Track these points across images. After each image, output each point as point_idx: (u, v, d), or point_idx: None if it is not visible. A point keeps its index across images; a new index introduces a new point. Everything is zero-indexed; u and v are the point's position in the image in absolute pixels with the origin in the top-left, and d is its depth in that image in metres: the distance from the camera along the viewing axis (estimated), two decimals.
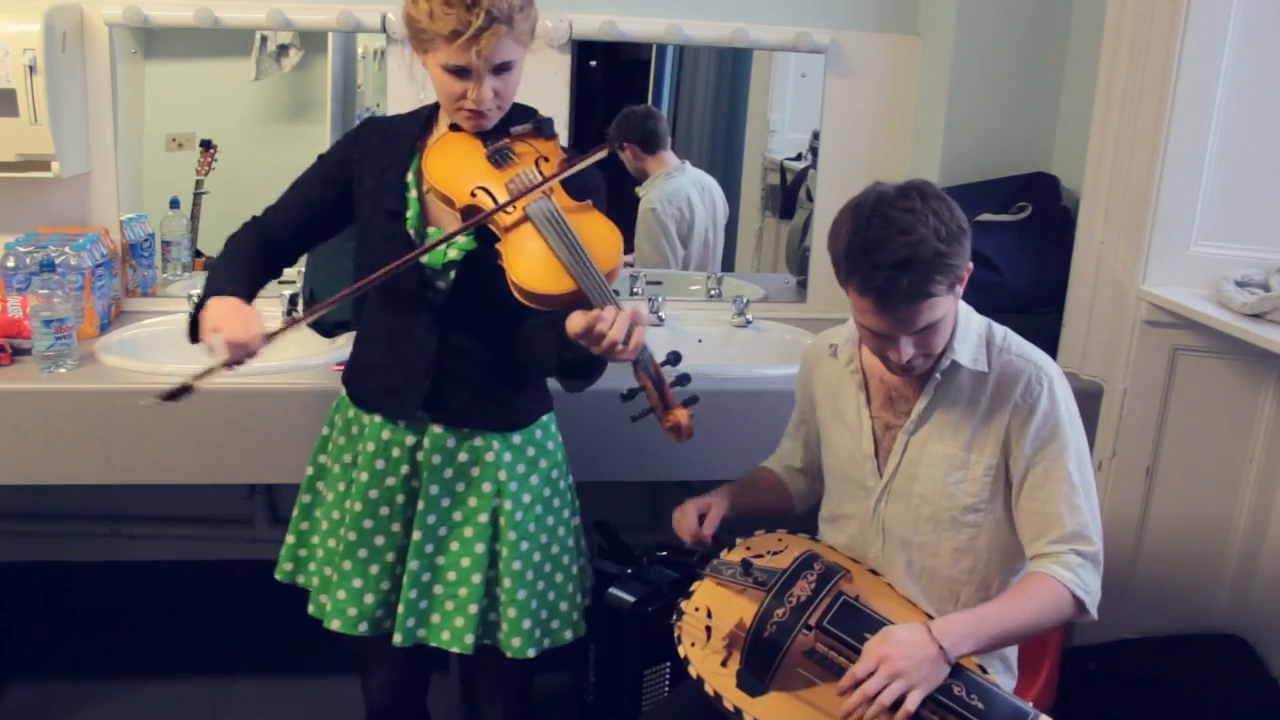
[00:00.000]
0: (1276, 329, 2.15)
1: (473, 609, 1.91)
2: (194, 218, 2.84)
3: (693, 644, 1.73)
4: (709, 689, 1.66)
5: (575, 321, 1.63)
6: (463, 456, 1.92)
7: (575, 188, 1.81)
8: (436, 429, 1.91)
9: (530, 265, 1.69)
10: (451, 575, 1.93)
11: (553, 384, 1.95)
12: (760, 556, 1.82)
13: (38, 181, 2.55)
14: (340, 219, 1.93)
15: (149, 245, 2.76)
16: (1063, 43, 2.77)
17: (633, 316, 1.62)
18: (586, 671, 2.56)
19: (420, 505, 1.91)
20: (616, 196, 1.84)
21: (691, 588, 1.82)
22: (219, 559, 3.22)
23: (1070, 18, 2.76)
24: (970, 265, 1.67)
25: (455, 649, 1.92)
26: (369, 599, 1.93)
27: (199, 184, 2.82)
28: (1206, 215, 2.34)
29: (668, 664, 2.43)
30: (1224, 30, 2.24)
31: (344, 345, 2.47)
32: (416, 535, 1.91)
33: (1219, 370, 2.39)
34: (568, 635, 2.02)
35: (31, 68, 2.39)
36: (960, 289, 1.67)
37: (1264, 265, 2.30)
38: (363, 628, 1.93)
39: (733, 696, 1.64)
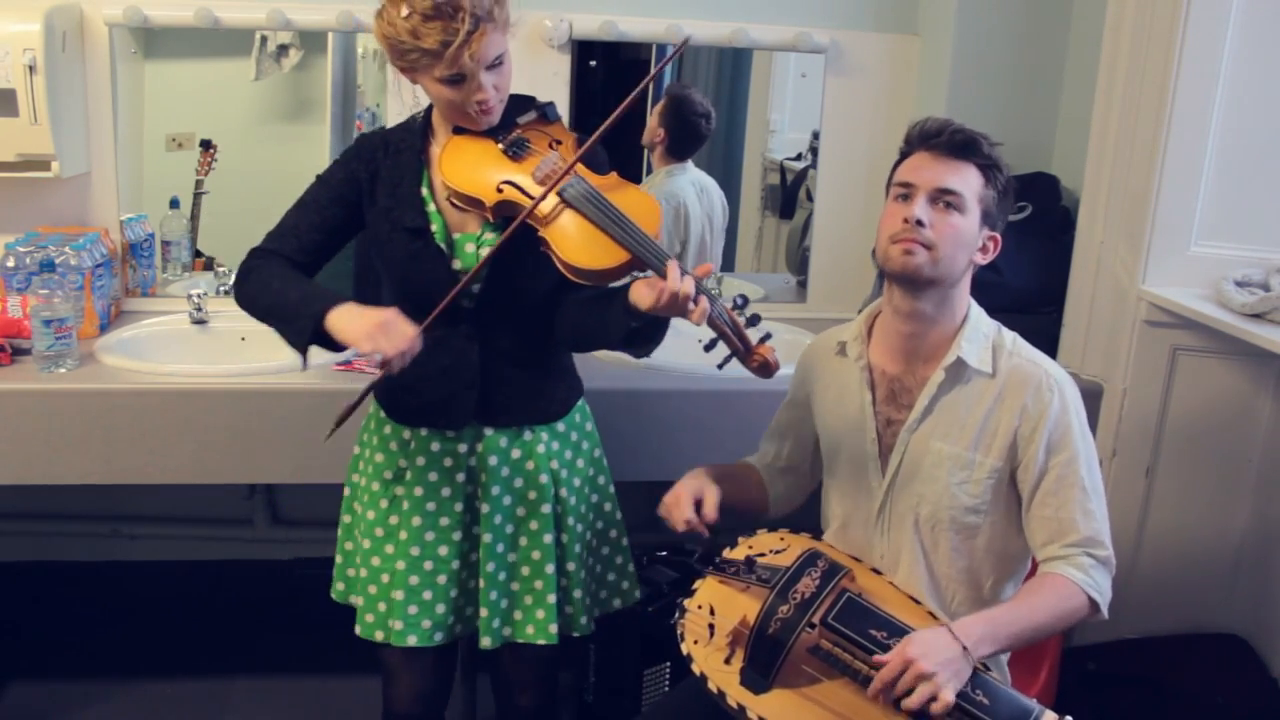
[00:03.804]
0: (1276, 329, 2.15)
1: (551, 599, 1.95)
2: (194, 218, 2.84)
3: (695, 642, 1.73)
4: (712, 686, 1.66)
5: (642, 293, 1.65)
6: (516, 453, 1.94)
7: (594, 164, 1.84)
8: (489, 431, 1.92)
9: (581, 245, 1.71)
10: (525, 570, 1.96)
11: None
12: (763, 555, 1.82)
13: (38, 181, 2.56)
14: (349, 236, 1.93)
15: (149, 245, 2.77)
16: (1063, 43, 2.78)
17: (696, 270, 1.65)
18: (586, 671, 2.56)
19: (485, 509, 1.93)
20: None
21: (694, 585, 1.82)
22: (219, 559, 3.22)
23: (1070, 18, 2.77)
24: (998, 236, 1.76)
25: (541, 640, 1.96)
26: (440, 609, 1.94)
27: (199, 184, 2.82)
28: (1206, 215, 2.35)
29: (668, 664, 2.43)
30: (1224, 30, 2.25)
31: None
32: (486, 538, 1.93)
33: (1219, 370, 2.39)
34: (616, 603, 2.10)
35: (31, 68, 2.39)
36: (981, 234, 1.73)
37: (1264, 265, 2.30)
38: (438, 638, 1.94)
39: (736, 694, 1.64)
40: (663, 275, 1.63)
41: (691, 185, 3.00)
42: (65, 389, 2.26)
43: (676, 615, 1.79)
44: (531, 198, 1.74)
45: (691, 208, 2.99)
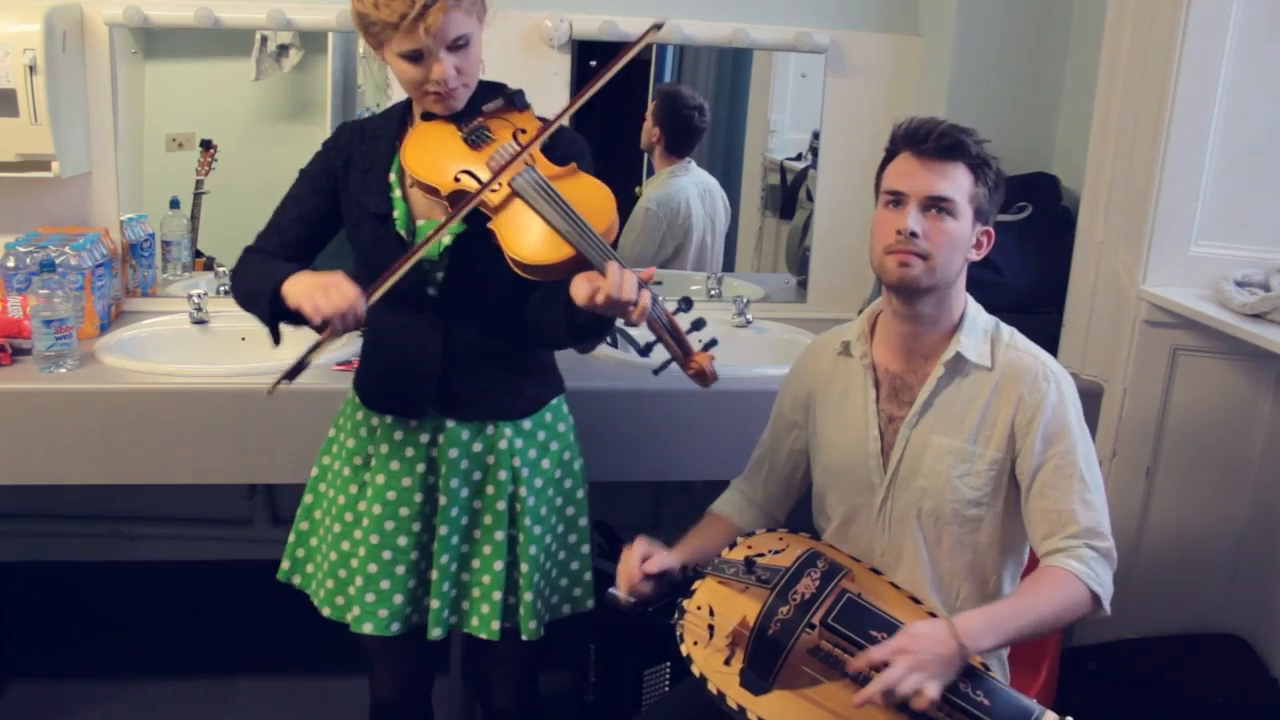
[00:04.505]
0: (1276, 329, 2.15)
1: (496, 595, 1.95)
2: (194, 218, 2.84)
3: (695, 643, 1.73)
4: (712, 688, 1.66)
5: (579, 289, 1.62)
6: (477, 447, 1.93)
7: (557, 154, 1.82)
8: (450, 423, 1.92)
9: (526, 238, 1.69)
10: (476, 563, 1.96)
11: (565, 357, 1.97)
12: (762, 555, 1.81)
13: (38, 181, 2.56)
14: (335, 227, 1.94)
15: (149, 245, 2.77)
16: (1063, 43, 2.78)
17: (643, 274, 1.62)
18: (586, 671, 2.56)
19: (442, 500, 1.93)
20: (616, 193, 1.83)
21: (693, 586, 1.82)
22: (219, 559, 3.22)
23: (1070, 18, 2.77)
24: (991, 230, 1.75)
25: (483, 635, 1.96)
26: (398, 599, 1.94)
27: (199, 184, 2.82)
28: (1206, 215, 2.34)
29: (668, 664, 2.43)
30: (1224, 30, 2.24)
31: (344, 345, 2.46)
32: (442, 530, 1.93)
33: (1219, 370, 2.39)
34: (565, 610, 2.08)
35: (31, 68, 2.39)
36: (974, 232, 1.72)
37: (1264, 265, 2.30)
38: (394, 627, 1.95)
39: (736, 695, 1.64)
40: (602, 272, 1.61)
41: (694, 186, 3.00)
42: (65, 389, 2.26)
43: (676, 616, 1.79)
44: (482, 185, 1.73)
45: (694, 210, 2.99)
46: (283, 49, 2.77)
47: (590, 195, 1.73)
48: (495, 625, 1.95)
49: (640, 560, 1.80)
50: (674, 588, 1.82)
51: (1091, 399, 2.47)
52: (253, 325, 2.59)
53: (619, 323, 1.76)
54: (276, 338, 1.84)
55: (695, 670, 1.70)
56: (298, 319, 1.76)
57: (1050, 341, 2.56)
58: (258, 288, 1.80)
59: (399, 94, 2.64)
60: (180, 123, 2.82)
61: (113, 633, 3.00)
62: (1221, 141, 2.30)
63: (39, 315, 2.27)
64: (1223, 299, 2.27)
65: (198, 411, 2.28)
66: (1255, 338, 2.15)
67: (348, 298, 1.67)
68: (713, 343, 1.69)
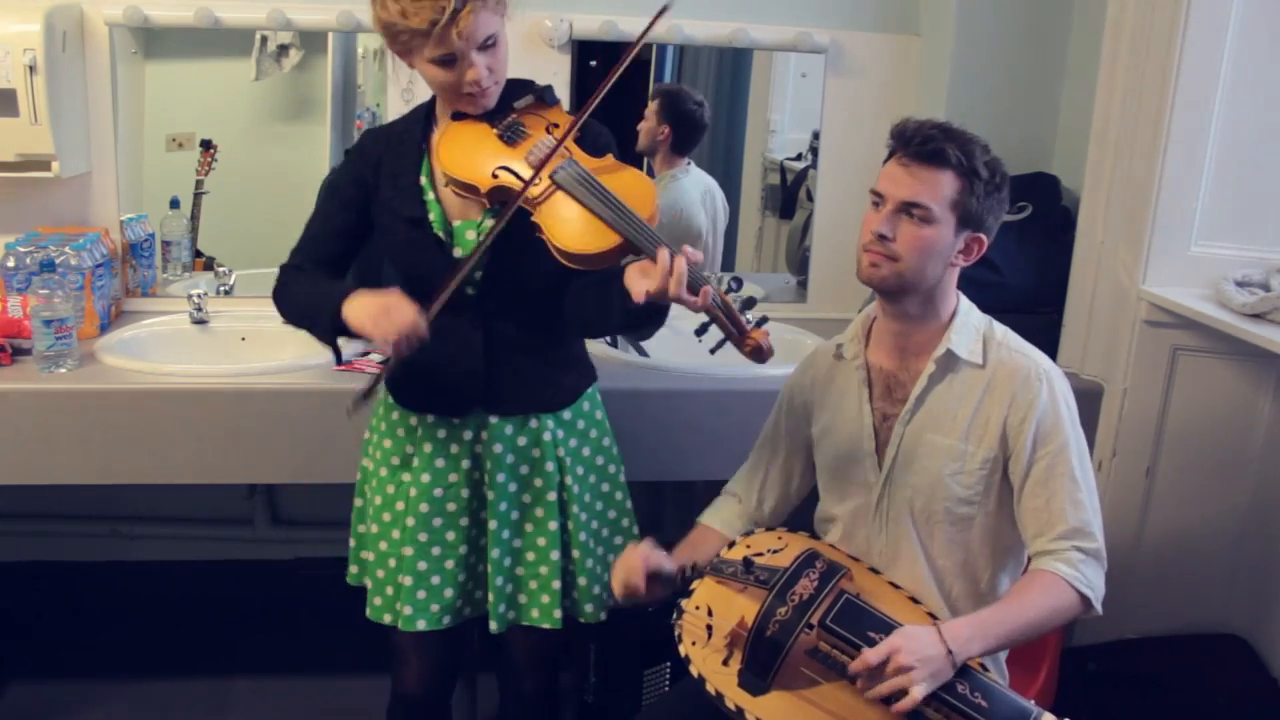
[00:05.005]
0: (1276, 329, 2.15)
1: (555, 585, 1.97)
2: (194, 218, 2.84)
3: (693, 643, 1.73)
4: (710, 688, 1.66)
5: (635, 283, 1.62)
6: (522, 440, 1.95)
7: (590, 146, 1.84)
8: (493, 419, 1.93)
9: (572, 229, 1.71)
10: (531, 556, 1.98)
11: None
12: (761, 555, 1.81)
13: (38, 181, 2.55)
14: (367, 236, 1.95)
15: (149, 245, 2.77)
16: (1063, 43, 2.78)
17: (687, 255, 1.62)
18: (587, 671, 2.56)
19: (490, 495, 1.94)
20: None
21: (692, 586, 1.82)
22: (219, 559, 3.22)
23: (1070, 18, 2.77)
24: (982, 237, 1.73)
25: (546, 625, 1.98)
26: (448, 593, 1.96)
27: (199, 184, 2.82)
28: (1206, 215, 2.34)
29: (668, 664, 2.43)
30: (1224, 30, 2.24)
31: (343, 345, 2.46)
32: (493, 525, 1.95)
33: (1219, 370, 2.39)
34: None
35: (31, 68, 2.39)
36: (959, 238, 1.71)
37: (1264, 265, 2.30)
38: (446, 621, 1.96)
39: (734, 696, 1.64)
40: (654, 259, 1.62)
41: (695, 187, 3.00)
42: (65, 389, 2.26)
43: (674, 616, 1.79)
44: (524, 182, 1.74)
45: (696, 212, 2.99)
46: (283, 49, 2.77)
47: (631, 183, 1.75)
48: (557, 614, 1.97)
49: (643, 558, 1.80)
50: (672, 589, 1.82)
51: (1091, 399, 2.47)
52: (252, 325, 2.63)
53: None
54: (339, 356, 1.89)
55: (694, 670, 1.70)
56: (356, 335, 1.79)
57: (1050, 341, 2.56)
58: (313, 308, 1.83)
59: (399, 95, 2.66)
60: (180, 123, 2.82)
61: (113, 633, 3.00)
62: (1221, 141, 2.30)
63: (39, 315, 2.27)
64: (1223, 299, 2.27)
65: (198, 411, 2.28)
66: (1255, 338, 2.15)
67: (408, 318, 1.69)
68: (764, 320, 1.69)
